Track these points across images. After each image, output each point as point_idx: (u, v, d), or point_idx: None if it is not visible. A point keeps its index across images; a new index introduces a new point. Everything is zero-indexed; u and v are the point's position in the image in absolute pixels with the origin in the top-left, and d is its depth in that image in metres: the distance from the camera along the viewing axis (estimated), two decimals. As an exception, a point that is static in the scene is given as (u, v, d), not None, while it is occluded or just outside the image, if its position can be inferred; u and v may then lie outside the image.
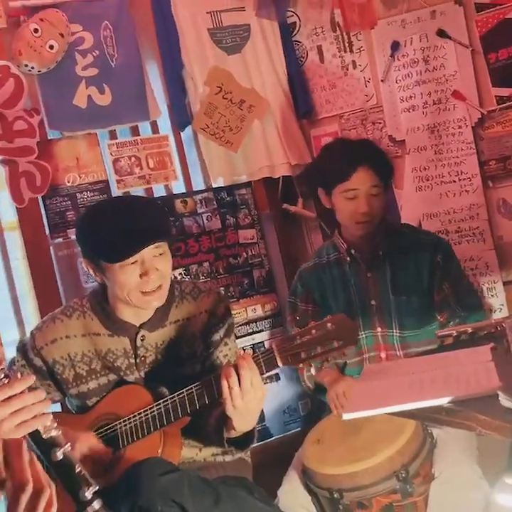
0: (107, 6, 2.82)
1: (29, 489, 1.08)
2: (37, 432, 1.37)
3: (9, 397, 1.34)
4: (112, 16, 2.82)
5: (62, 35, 2.67)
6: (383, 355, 2.30)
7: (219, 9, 3.00)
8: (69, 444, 1.41)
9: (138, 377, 1.95)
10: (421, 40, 2.84)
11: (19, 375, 1.41)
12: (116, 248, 1.80)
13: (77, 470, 1.41)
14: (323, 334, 1.69)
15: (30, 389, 1.37)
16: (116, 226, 1.81)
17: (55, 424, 1.40)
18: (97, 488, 1.40)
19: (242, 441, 1.85)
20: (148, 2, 2.93)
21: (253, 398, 1.69)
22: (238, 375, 1.68)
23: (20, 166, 2.60)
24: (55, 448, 1.39)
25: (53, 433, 1.39)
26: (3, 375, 1.37)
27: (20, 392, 1.35)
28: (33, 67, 2.64)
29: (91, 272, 1.93)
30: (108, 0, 2.83)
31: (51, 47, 2.64)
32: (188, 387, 1.79)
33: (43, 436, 1.38)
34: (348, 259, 2.37)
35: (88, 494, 1.40)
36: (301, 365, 1.73)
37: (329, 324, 1.70)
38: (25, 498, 1.05)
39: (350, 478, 1.92)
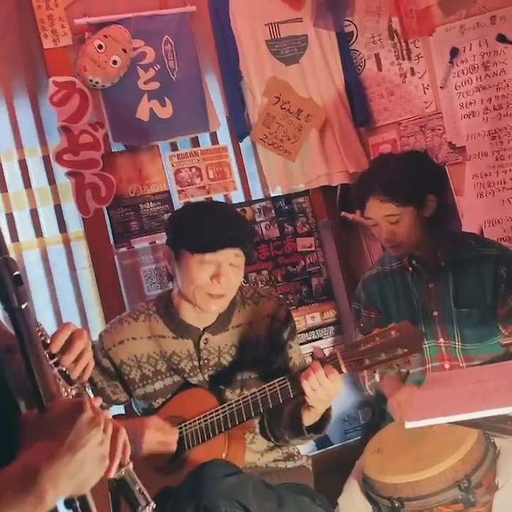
0: (167, 20, 2.90)
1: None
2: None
3: None
4: (173, 31, 2.89)
5: (125, 51, 2.75)
6: (447, 365, 2.26)
7: (277, 21, 3.03)
8: (131, 463, 1.38)
9: (202, 379, 2.00)
10: (480, 46, 2.81)
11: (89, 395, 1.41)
12: (202, 241, 1.88)
13: (137, 488, 1.40)
14: (388, 341, 1.70)
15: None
16: (208, 223, 1.92)
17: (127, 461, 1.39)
18: (155, 506, 1.39)
19: (319, 425, 1.87)
20: (208, 16, 2.99)
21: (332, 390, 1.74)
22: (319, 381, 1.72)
23: (86, 178, 2.69)
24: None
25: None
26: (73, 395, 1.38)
27: None
28: (97, 82, 2.72)
29: (167, 262, 2.00)
30: (169, 15, 2.91)
31: (114, 62, 2.72)
32: (253, 392, 1.83)
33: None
34: (410, 269, 2.35)
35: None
36: (364, 373, 1.74)
37: (394, 331, 1.70)
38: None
39: (411, 488, 1.91)
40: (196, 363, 2.00)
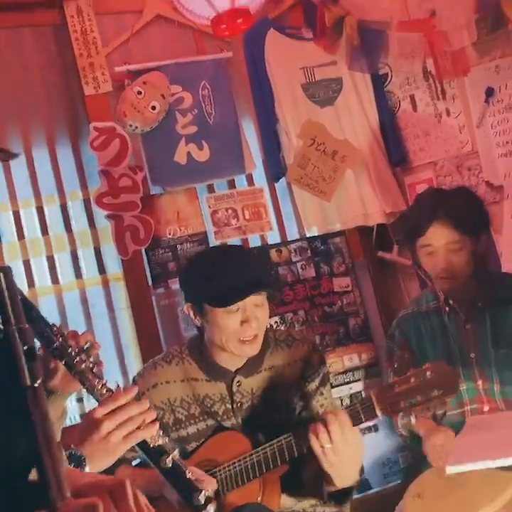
0: (205, 66, 2.97)
1: None
2: (144, 441, 1.38)
3: (114, 410, 1.36)
4: (210, 76, 2.96)
5: (163, 96, 2.82)
6: (486, 408, 2.21)
7: (312, 65, 3.08)
8: (177, 450, 1.42)
9: (235, 423, 1.98)
10: (516, 85, 2.81)
11: (121, 388, 1.44)
12: (223, 294, 1.87)
13: (188, 475, 1.41)
14: (423, 382, 1.67)
15: (134, 400, 1.40)
16: (224, 274, 1.89)
17: (162, 432, 1.42)
18: (210, 492, 1.40)
19: (341, 495, 1.83)
20: (244, 61, 3.06)
21: (348, 452, 1.67)
22: (328, 430, 1.66)
23: (125, 220, 2.74)
24: (164, 455, 1.40)
25: (160, 441, 1.40)
26: (105, 389, 1.41)
27: (125, 404, 1.37)
28: (136, 127, 2.79)
29: (192, 315, 2.00)
30: (206, 61, 2.98)
31: (153, 107, 2.79)
32: (286, 436, 1.80)
33: (150, 446, 1.39)
34: (447, 309, 2.32)
35: (201, 498, 1.40)
36: (400, 414, 1.71)
37: (429, 372, 1.67)
38: None
39: (453, 535, 1.86)
40: (229, 406, 1.99)
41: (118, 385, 1.46)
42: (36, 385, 0.78)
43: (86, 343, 1.47)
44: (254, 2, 2.47)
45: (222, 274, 1.89)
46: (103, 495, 0.81)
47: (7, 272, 0.81)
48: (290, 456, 1.78)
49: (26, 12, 2.74)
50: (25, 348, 0.79)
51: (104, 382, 1.42)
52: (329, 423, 1.66)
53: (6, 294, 0.80)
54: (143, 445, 1.39)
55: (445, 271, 2.21)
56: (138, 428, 1.37)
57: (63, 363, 1.42)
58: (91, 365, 1.43)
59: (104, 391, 1.40)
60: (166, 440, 1.42)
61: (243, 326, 1.89)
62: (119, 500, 0.83)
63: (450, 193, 2.35)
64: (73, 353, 1.41)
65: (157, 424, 1.40)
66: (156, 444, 1.40)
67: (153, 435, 1.39)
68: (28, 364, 0.78)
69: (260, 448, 1.84)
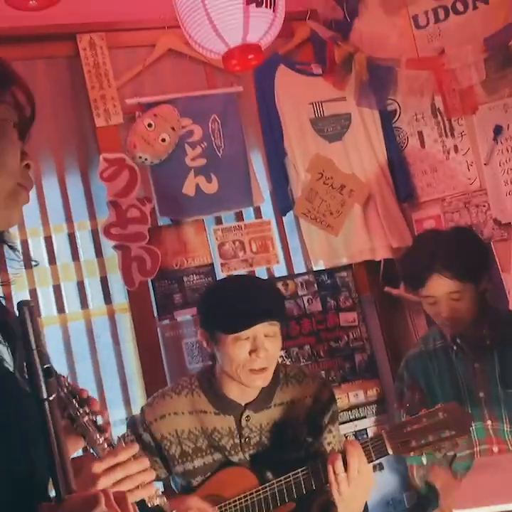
0: (215, 100, 3.00)
1: None
2: (142, 500, 1.35)
3: (113, 466, 1.32)
4: (220, 110, 2.99)
5: (173, 129, 2.84)
6: (495, 449, 2.18)
7: (321, 100, 3.11)
8: (175, 511, 1.41)
9: (242, 458, 1.96)
10: (524, 124, 2.83)
11: (123, 443, 1.39)
12: (233, 320, 1.87)
13: None
14: (435, 423, 1.67)
15: (135, 457, 1.35)
16: (236, 301, 1.90)
17: (160, 492, 1.39)
18: None
19: None
20: (254, 95, 3.09)
21: (360, 485, 1.69)
22: (345, 461, 1.68)
23: (133, 251, 2.74)
24: None
25: (158, 501, 1.38)
26: (107, 444, 1.36)
27: (125, 461, 1.33)
28: (146, 159, 2.81)
29: (204, 342, 2.00)
30: (216, 95, 3.01)
31: (163, 140, 2.81)
32: (295, 472, 1.79)
33: (148, 505, 1.36)
34: (455, 347, 2.30)
35: None
36: (411, 454, 1.71)
37: (441, 413, 1.67)
38: None
39: None
40: (237, 441, 1.97)
41: (119, 439, 1.41)
42: (51, 398, 0.93)
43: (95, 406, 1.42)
44: (265, 38, 2.49)
45: (234, 300, 1.91)
46: (106, 492, 0.92)
47: (30, 305, 0.95)
48: (306, 488, 1.77)
49: (40, 44, 2.78)
50: (44, 367, 0.93)
51: (106, 436, 1.37)
52: (349, 454, 1.70)
53: (29, 324, 0.93)
54: (140, 504, 1.36)
55: (449, 319, 2.21)
56: (136, 487, 1.33)
57: (65, 414, 1.37)
58: (94, 418, 1.38)
59: (106, 446, 1.36)
60: (164, 500, 1.41)
61: (251, 356, 1.87)
62: (119, 503, 0.94)
63: (446, 238, 2.31)
64: (77, 405, 1.37)
65: (155, 484, 1.37)
66: (154, 504, 1.38)
67: (151, 494, 1.37)
68: (45, 380, 0.93)
69: (268, 484, 1.82)
